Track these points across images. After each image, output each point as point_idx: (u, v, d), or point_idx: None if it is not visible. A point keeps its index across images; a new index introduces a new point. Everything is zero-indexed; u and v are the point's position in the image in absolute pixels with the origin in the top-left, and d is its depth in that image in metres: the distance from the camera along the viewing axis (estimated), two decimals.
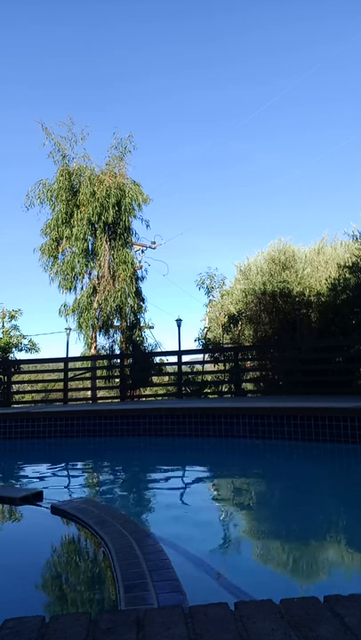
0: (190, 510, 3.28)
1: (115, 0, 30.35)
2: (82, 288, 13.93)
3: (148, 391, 15.55)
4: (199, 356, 15.92)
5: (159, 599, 1.55)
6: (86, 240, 13.43)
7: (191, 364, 14.23)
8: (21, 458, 5.96)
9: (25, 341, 15.59)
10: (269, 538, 2.70)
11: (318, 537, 2.66)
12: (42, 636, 0.93)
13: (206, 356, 15.33)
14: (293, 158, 45.09)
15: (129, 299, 13.90)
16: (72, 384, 11.55)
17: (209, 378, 13.13)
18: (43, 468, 5.08)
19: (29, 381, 12.71)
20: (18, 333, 15.58)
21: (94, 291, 13.76)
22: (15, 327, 15.66)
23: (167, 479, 4.40)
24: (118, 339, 14.96)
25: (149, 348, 15.92)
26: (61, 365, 11.35)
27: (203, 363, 14.58)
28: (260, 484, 4.14)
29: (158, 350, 16.04)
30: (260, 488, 4.01)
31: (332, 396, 8.04)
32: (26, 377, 13.09)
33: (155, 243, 18.71)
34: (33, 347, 15.64)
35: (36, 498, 3.17)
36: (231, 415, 5.75)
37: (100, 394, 12.88)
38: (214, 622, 0.96)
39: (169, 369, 12.09)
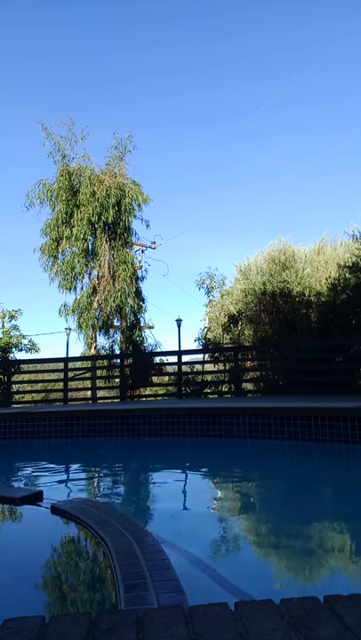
0: (190, 510, 3.28)
1: (115, 0, 30.36)
2: (82, 288, 13.94)
3: (148, 391, 15.54)
4: (199, 356, 15.91)
5: (159, 599, 1.55)
6: (86, 240, 13.43)
7: (191, 363, 14.23)
8: (21, 458, 5.96)
9: (25, 341, 15.61)
10: (269, 538, 2.70)
11: (318, 537, 2.66)
12: (42, 636, 0.93)
13: (206, 356, 15.33)
14: (293, 158, 45.13)
15: (129, 299, 13.90)
16: (72, 384, 11.55)
17: (209, 378, 13.13)
18: (43, 468, 5.08)
19: (29, 381, 12.71)
20: (18, 333, 15.60)
21: (94, 291, 13.75)
22: (15, 327, 15.68)
23: (167, 479, 4.40)
24: (118, 339, 14.96)
25: (149, 348, 15.92)
26: (61, 365, 11.35)
27: (203, 363, 14.58)
28: (260, 485, 4.14)
29: (158, 350, 16.04)
30: (259, 488, 4.01)
31: (332, 395, 8.04)
32: (26, 377, 13.09)
33: (155, 243, 18.70)
34: (33, 347, 15.66)
35: (36, 498, 3.17)
36: (231, 415, 5.75)
37: (100, 394, 12.88)
38: (214, 622, 0.96)
39: (169, 369, 12.08)
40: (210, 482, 4.36)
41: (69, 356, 14.35)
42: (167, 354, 12.65)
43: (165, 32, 35.35)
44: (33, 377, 14.05)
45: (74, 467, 5.28)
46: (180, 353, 11.08)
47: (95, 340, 14.21)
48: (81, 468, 5.26)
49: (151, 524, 2.95)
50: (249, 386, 12.53)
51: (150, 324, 16.56)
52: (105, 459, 5.63)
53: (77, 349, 31.67)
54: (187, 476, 4.56)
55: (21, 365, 12.70)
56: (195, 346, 17.33)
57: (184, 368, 12.24)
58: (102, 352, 14.83)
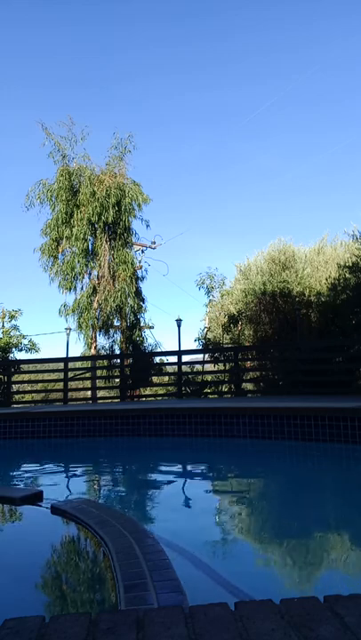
0: (190, 510, 3.28)
1: (115, 0, 30.35)
2: (82, 288, 13.95)
3: (148, 391, 15.55)
4: (199, 356, 15.91)
5: (159, 599, 1.55)
6: (86, 240, 13.43)
7: (191, 363, 14.22)
8: (21, 458, 5.95)
9: (25, 341, 15.63)
10: (269, 538, 2.70)
11: (318, 537, 2.66)
12: (42, 636, 0.93)
13: (206, 356, 15.33)
14: (293, 158, 45.12)
15: (129, 299, 13.90)
16: (72, 384, 11.55)
17: (209, 378, 13.13)
18: (43, 468, 5.08)
19: (29, 381, 12.71)
20: (18, 333, 15.62)
21: (94, 291, 13.76)
22: (15, 327, 15.70)
23: (167, 479, 4.40)
24: (118, 339, 14.96)
25: (149, 348, 15.92)
26: (61, 365, 11.35)
27: (203, 363, 14.58)
28: (259, 485, 4.14)
29: (158, 350, 16.04)
30: (259, 488, 4.01)
31: (332, 395, 8.04)
32: (26, 377, 13.09)
33: (155, 243, 18.70)
34: (33, 347, 15.67)
35: (36, 498, 3.17)
36: (231, 415, 5.75)
37: (100, 394, 12.88)
38: (214, 622, 0.96)
39: (169, 369, 12.08)
40: (210, 482, 4.36)
41: (69, 356, 14.35)
42: (167, 354, 12.66)
43: (165, 32, 35.37)
44: (33, 377, 14.05)
45: (74, 467, 5.27)
46: (180, 353, 11.08)
47: (95, 340, 14.22)
48: (81, 468, 5.26)
49: (151, 523, 2.95)
50: (249, 386, 12.53)
51: (150, 324, 16.56)
52: (105, 459, 5.63)
53: (77, 349, 31.69)
54: (187, 476, 4.56)
55: (21, 365, 12.70)
56: (195, 346, 17.34)
57: (184, 368, 12.24)
58: (102, 352, 14.83)
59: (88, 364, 14.08)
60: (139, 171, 38.14)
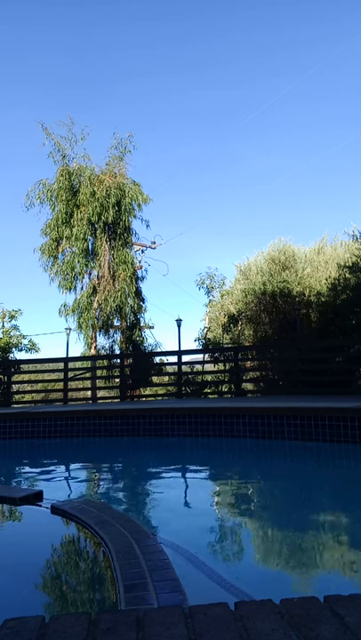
0: (190, 510, 3.28)
1: (115, 0, 30.36)
2: (82, 288, 13.95)
3: (148, 391, 15.54)
4: (199, 356, 15.91)
5: (159, 599, 1.55)
6: (86, 240, 13.44)
7: (191, 363, 14.21)
8: (21, 458, 5.96)
9: (25, 341, 15.65)
10: (269, 538, 2.70)
11: (318, 537, 2.66)
12: (42, 636, 0.93)
13: (206, 356, 15.32)
14: (293, 158, 45.08)
15: (129, 299, 13.90)
16: (72, 384, 11.55)
17: (209, 378, 13.12)
18: (43, 468, 5.08)
19: (29, 381, 12.71)
20: (18, 333, 15.65)
21: (94, 291, 13.76)
22: (15, 327, 15.73)
23: (167, 479, 4.40)
24: (118, 339, 14.95)
25: (149, 348, 15.92)
26: (61, 365, 11.35)
27: (203, 363, 14.57)
28: (259, 485, 4.14)
29: (158, 350, 16.05)
30: (259, 488, 4.01)
31: (332, 396, 8.04)
32: (26, 377, 13.09)
33: (155, 243, 18.72)
34: (33, 347, 15.69)
35: (36, 498, 3.17)
36: (231, 415, 5.75)
37: (100, 394, 12.88)
38: (214, 622, 0.96)
39: (169, 369, 12.08)
40: (210, 482, 4.36)
41: (69, 356, 14.34)
42: (167, 354, 12.65)
43: (165, 32, 35.39)
44: (33, 377, 14.05)
45: (74, 467, 5.27)
46: (180, 353, 11.07)
47: (95, 340, 14.21)
48: (81, 467, 5.26)
49: (151, 523, 2.95)
50: (249, 386, 12.52)
51: (150, 324, 16.58)
52: (105, 459, 5.63)
53: (77, 349, 31.67)
54: (187, 476, 4.56)
55: (21, 365, 12.70)
56: (195, 346, 17.36)
57: (184, 368, 12.23)
58: (102, 352, 14.82)
59: (88, 364, 14.07)
60: (139, 170, 38.24)
